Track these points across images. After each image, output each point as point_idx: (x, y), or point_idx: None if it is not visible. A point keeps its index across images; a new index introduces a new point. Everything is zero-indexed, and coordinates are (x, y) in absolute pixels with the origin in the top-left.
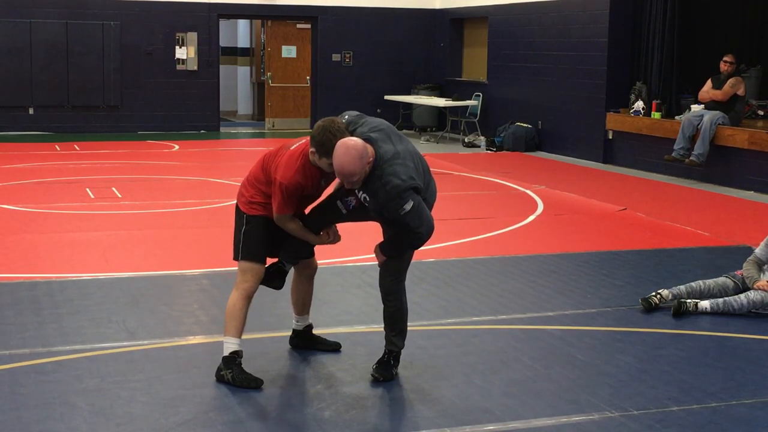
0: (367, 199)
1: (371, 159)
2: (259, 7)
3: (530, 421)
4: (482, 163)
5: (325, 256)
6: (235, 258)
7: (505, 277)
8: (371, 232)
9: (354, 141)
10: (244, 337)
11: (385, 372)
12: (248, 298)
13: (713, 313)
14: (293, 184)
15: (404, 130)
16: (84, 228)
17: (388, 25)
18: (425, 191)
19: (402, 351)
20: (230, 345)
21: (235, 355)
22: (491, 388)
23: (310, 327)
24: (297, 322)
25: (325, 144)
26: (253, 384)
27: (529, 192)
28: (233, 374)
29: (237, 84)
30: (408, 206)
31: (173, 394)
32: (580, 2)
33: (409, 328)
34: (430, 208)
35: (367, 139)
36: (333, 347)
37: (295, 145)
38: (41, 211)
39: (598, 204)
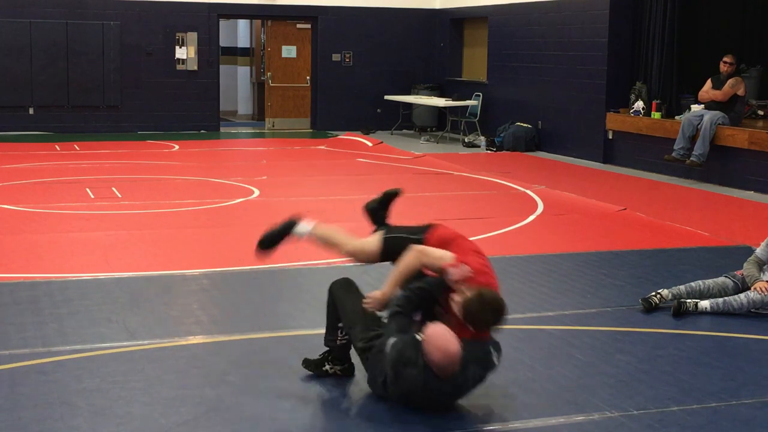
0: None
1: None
2: (259, 7)
3: (530, 421)
4: (482, 163)
5: (325, 256)
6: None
7: (505, 277)
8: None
9: (455, 347)
10: (244, 337)
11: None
12: (348, 252)
13: (713, 313)
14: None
15: (404, 130)
16: (84, 228)
17: (388, 25)
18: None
19: None
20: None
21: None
22: (491, 388)
23: None
24: None
25: (476, 322)
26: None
27: (529, 192)
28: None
29: (237, 84)
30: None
31: (173, 394)
32: (580, 2)
33: None
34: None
35: None
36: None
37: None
38: (41, 211)
39: (598, 204)
